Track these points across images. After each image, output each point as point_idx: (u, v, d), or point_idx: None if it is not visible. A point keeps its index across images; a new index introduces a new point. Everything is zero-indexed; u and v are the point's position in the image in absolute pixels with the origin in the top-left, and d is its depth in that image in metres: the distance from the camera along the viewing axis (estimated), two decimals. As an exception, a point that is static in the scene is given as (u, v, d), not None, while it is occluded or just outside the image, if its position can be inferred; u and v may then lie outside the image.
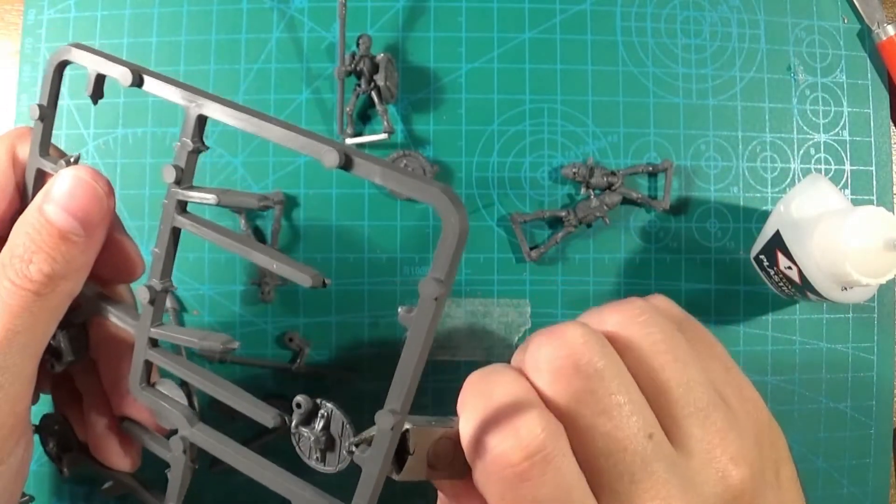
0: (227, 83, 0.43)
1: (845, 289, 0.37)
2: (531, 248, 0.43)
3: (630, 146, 0.44)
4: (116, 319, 0.27)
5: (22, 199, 0.27)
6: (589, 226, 0.43)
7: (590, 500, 0.20)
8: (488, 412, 0.21)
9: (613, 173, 0.43)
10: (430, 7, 0.44)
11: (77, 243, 0.24)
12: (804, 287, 0.38)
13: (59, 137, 0.43)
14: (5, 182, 0.26)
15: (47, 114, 0.26)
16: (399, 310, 0.20)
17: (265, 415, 0.24)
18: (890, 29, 0.44)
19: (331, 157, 0.20)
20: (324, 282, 0.22)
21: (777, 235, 0.39)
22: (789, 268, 0.38)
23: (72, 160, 0.25)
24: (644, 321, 0.22)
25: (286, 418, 0.23)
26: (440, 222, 0.19)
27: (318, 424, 0.22)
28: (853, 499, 0.43)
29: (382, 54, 0.42)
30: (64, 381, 0.31)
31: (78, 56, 0.24)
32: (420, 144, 0.43)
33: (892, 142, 0.45)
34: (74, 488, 0.42)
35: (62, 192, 0.23)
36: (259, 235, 0.43)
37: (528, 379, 0.22)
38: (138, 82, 0.23)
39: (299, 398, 0.22)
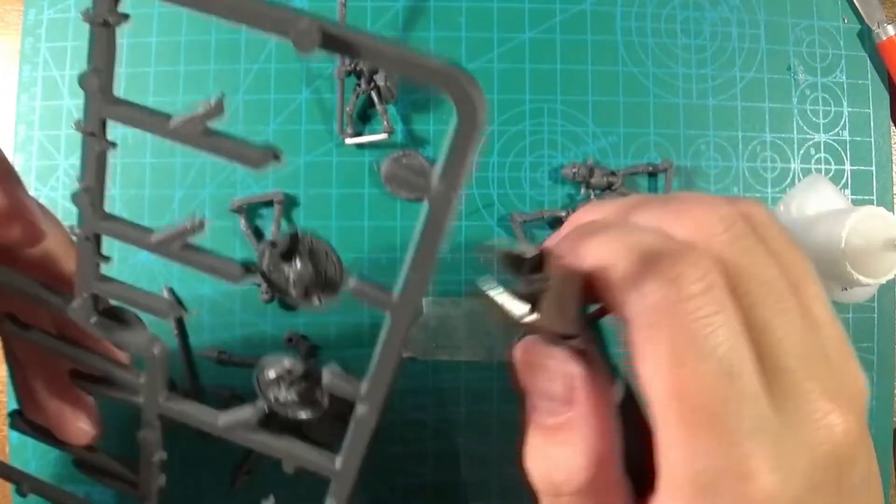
0: (227, 83, 0.43)
1: (845, 289, 0.37)
2: (531, 248, 0.42)
3: (630, 146, 0.44)
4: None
5: None
6: (589, 226, 0.43)
7: (757, 368, 0.17)
8: (644, 248, 0.18)
9: (613, 173, 0.43)
10: (430, 7, 0.44)
11: None
12: (804, 287, 0.38)
13: (59, 138, 0.43)
14: None
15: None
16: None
17: (230, 268, 0.20)
18: (890, 29, 0.44)
19: (305, 35, 0.14)
20: (275, 155, 0.18)
21: (777, 235, 0.39)
22: (789, 268, 0.39)
23: None
24: (771, 251, 0.19)
25: (252, 266, 0.20)
26: None
27: (299, 260, 0.19)
28: (853, 499, 0.43)
29: (382, 54, 0.42)
30: None
31: None
32: (420, 144, 0.43)
33: (892, 142, 0.45)
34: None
35: None
36: (259, 235, 0.43)
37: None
38: None
39: (272, 238, 0.19)
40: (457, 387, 0.42)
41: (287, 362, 0.20)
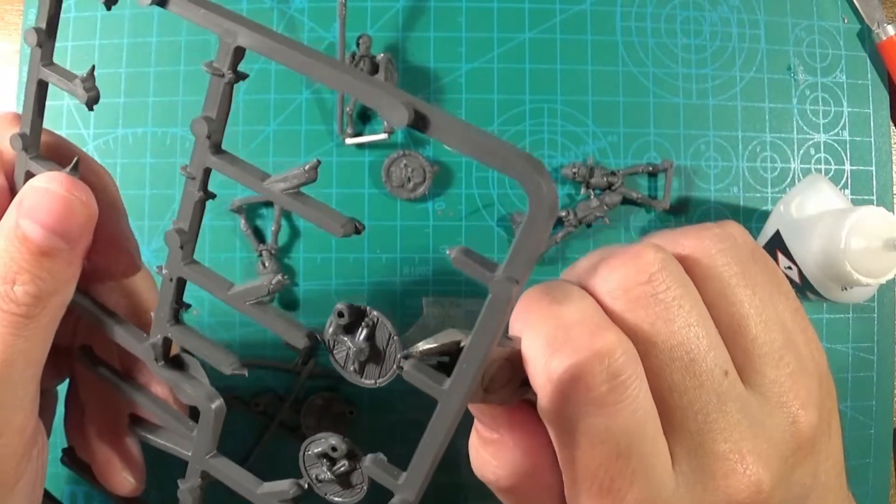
0: (227, 83, 0.43)
1: (845, 289, 0.37)
2: (531, 248, 0.42)
3: (630, 146, 0.44)
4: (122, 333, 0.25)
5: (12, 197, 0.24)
6: (589, 226, 0.43)
7: (660, 438, 0.19)
8: (559, 332, 0.19)
9: (613, 173, 0.43)
10: (430, 7, 0.44)
11: (61, 256, 0.22)
12: (804, 287, 0.38)
13: (59, 137, 0.43)
14: None
15: (46, 41, 0.21)
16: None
17: (297, 333, 0.21)
18: (890, 29, 0.44)
19: (397, 113, 0.16)
20: (356, 227, 0.19)
21: (777, 235, 0.39)
22: (789, 268, 0.39)
23: (66, 170, 0.22)
24: (723, 250, 0.20)
25: (318, 334, 0.20)
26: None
27: (361, 334, 0.19)
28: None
29: (382, 54, 0.42)
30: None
31: None
32: (420, 144, 0.43)
33: (892, 142, 0.45)
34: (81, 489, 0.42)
35: (35, 206, 0.21)
36: (259, 235, 0.43)
37: (598, 301, 0.20)
38: (159, 1, 0.20)
39: (340, 306, 0.19)
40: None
41: (334, 440, 0.21)
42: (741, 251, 0.21)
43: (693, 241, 0.21)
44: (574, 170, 0.42)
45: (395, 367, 0.19)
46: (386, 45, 0.44)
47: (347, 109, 0.42)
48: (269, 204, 0.42)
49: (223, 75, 0.20)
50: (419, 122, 0.16)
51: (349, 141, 0.42)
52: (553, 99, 0.44)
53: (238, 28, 0.19)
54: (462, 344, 0.19)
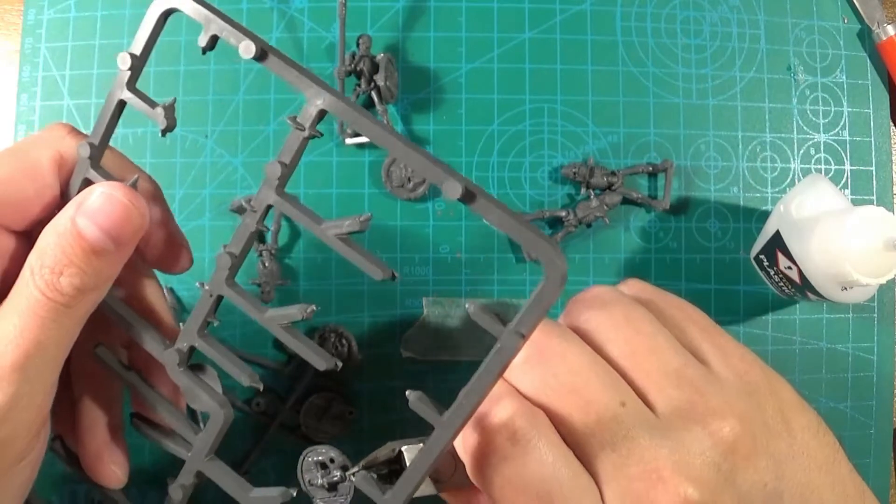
0: (227, 83, 0.43)
1: (845, 289, 0.37)
2: (531, 248, 0.42)
3: (630, 146, 0.44)
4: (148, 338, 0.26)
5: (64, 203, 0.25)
6: (589, 226, 0.43)
7: (580, 474, 0.21)
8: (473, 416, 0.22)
9: (613, 173, 0.43)
10: (430, 7, 0.44)
11: (109, 257, 0.23)
12: (804, 287, 0.38)
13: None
14: (48, 190, 0.25)
15: (137, 66, 0.23)
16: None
17: (319, 359, 0.24)
18: (890, 29, 0.44)
19: (453, 188, 0.20)
20: (393, 275, 0.22)
21: (777, 235, 0.39)
22: (789, 268, 0.38)
23: (128, 182, 0.24)
24: (604, 304, 0.24)
25: (337, 363, 0.24)
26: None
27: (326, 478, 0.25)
28: (853, 499, 0.43)
29: (382, 54, 0.42)
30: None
31: (190, 8, 0.22)
32: (420, 144, 0.43)
33: (892, 142, 0.45)
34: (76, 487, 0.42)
35: (96, 208, 0.23)
36: (259, 235, 0.43)
37: (505, 380, 0.23)
38: (260, 56, 0.22)
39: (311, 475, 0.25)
40: (457, 387, 0.42)
41: (333, 453, 0.25)
42: (626, 301, 0.24)
43: (580, 307, 0.25)
44: (574, 170, 0.42)
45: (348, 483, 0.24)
46: (386, 45, 0.44)
47: (347, 109, 0.42)
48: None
49: (304, 130, 0.23)
50: (467, 197, 0.20)
51: (349, 141, 0.42)
52: (553, 99, 0.44)
53: (324, 94, 0.22)
54: (395, 450, 0.24)
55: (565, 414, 0.22)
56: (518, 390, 0.23)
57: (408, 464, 0.23)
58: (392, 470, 0.24)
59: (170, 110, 0.23)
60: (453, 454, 0.24)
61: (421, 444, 0.22)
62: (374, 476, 0.24)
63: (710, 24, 0.45)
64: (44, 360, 0.23)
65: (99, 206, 0.23)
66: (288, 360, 0.42)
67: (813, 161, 0.45)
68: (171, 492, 0.27)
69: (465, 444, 0.23)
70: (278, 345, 0.42)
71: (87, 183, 0.25)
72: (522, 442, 0.21)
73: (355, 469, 0.23)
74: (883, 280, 0.34)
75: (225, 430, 0.26)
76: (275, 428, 0.41)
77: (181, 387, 0.26)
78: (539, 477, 0.21)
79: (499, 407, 0.22)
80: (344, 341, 0.42)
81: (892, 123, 0.45)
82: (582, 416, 0.21)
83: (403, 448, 0.24)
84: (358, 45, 0.42)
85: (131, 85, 0.24)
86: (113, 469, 0.29)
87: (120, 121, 0.25)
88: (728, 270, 0.44)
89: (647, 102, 0.44)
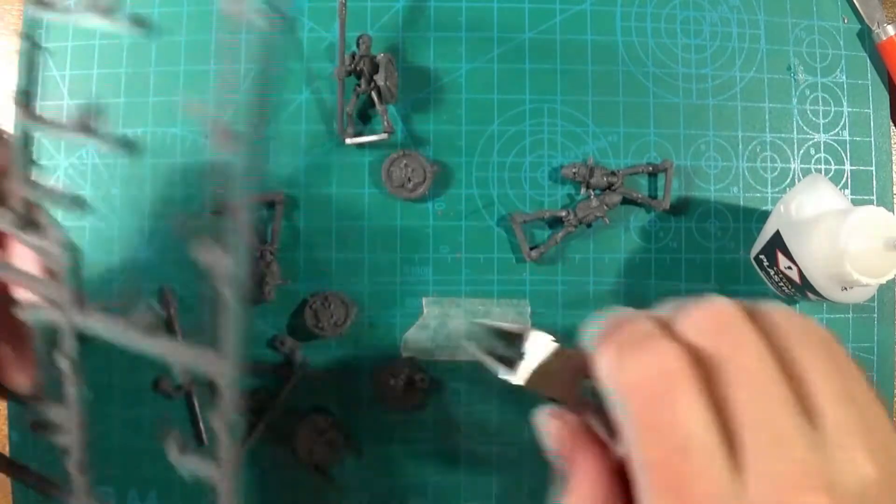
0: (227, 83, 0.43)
1: (845, 289, 0.37)
2: (531, 248, 0.43)
3: (630, 146, 0.44)
4: None
5: None
6: (589, 226, 0.43)
7: (722, 446, 0.20)
8: (633, 337, 0.21)
9: (613, 173, 0.43)
10: (430, 7, 0.44)
11: None
12: (804, 287, 0.38)
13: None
14: None
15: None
16: None
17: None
18: (890, 29, 0.44)
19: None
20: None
21: (777, 235, 0.39)
22: (789, 268, 0.39)
23: None
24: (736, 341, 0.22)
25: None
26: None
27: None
28: (853, 499, 0.43)
29: (382, 54, 0.42)
30: None
31: None
32: (420, 144, 0.43)
33: (892, 142, 0.45)
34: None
35: None
36: (260, 235, 0.43)
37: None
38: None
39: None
40: (457, 387, 0.42)
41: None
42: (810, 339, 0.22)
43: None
44: (574, 170, 0.42)
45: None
46: (386, 45, 0.44)
47: (347, 109, 0.42)
48: (269, 204, 0.42)
49: None
50: None
51: (349, 141, 0.42)
52: (553, 99, 0.44)
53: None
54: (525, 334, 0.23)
55: (732, 385, 0.20)
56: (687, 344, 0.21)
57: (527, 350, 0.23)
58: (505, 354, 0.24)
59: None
60: (575, 364, 0.23)
61: (551, 338, 0.23)
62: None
63: (710, 24, 0.45)
64: None
65: None
66: (283, 362, 0.42)
67: (813, 161, 0.45)
68: (60, 363, 0.24)
69: (610, 372, 0.21)
70: (271, 344, 0.42)
71: None
72: (675, 389, 0.20)
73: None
74: (883, 280, 0.34)
75: (78, 272, 0.23)
76: (261, 430, 0.40)
77: (22, 239, 0.24)
78: (684, 428, 0.20)
79: (664, 345, 0.21)
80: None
81: (892, 123, 0.45)
82: (748, 394, 0.20)
83: (533, 333, 0.23)
84: (358, 45, 0.42)
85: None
86: (16, 361, 0.28)
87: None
88: (728, 270, 0.44)
89: (647, 102, 0.44)
